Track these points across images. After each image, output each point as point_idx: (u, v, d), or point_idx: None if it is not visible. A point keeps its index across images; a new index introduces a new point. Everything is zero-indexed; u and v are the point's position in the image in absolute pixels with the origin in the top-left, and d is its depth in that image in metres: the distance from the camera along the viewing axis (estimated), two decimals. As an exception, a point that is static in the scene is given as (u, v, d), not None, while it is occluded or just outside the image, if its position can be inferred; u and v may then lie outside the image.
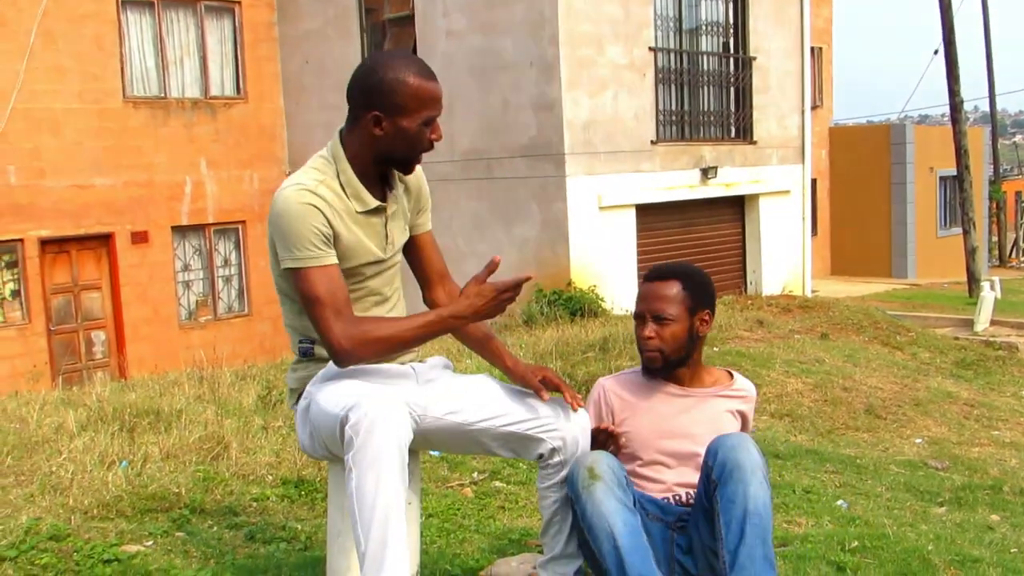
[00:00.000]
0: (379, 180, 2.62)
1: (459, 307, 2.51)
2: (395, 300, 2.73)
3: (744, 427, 2.94)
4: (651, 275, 2.92)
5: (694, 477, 2.73)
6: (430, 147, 2.57)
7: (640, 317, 2.87)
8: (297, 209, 2.45)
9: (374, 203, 2.58)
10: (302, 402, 2.60)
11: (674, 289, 2.83)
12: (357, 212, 2.55)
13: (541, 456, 2.58)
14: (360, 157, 2.56)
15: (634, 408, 2.90)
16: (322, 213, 2.47)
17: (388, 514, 2.27)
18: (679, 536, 2.66)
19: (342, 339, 2.41)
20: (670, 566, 2.63)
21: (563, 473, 2.56)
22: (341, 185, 2.54)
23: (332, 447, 2.48)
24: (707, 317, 2.88)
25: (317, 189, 2.49)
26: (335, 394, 2.44)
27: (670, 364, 2.85)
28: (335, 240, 2.50)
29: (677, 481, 2.81)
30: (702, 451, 2.65)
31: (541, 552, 2.84)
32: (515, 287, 2.49)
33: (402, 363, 2.69)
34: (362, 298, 2.61)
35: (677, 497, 2.80)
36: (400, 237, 2.71)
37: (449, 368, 2.79)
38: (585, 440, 2.60)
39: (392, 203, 2.65)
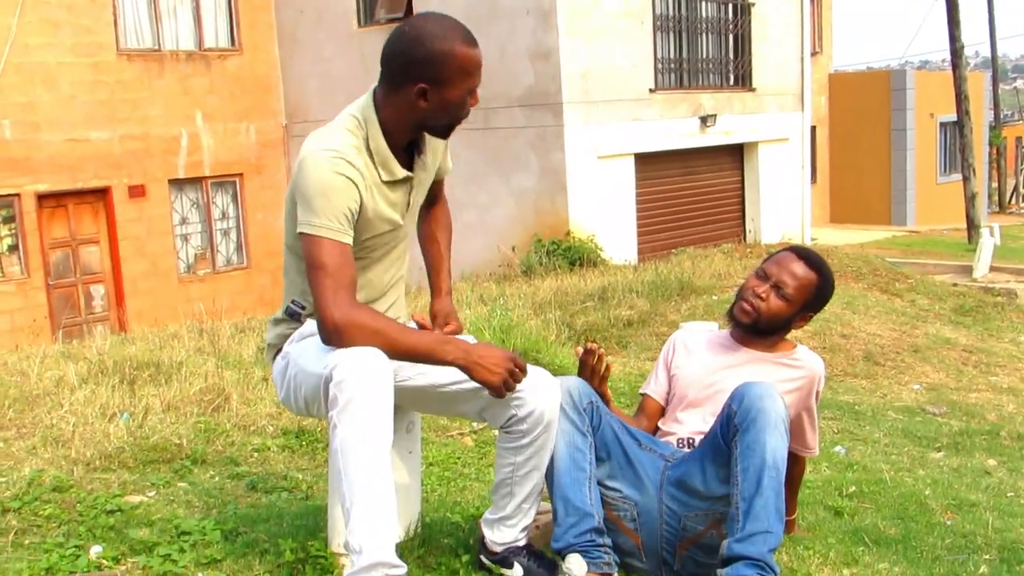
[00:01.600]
0: (408, 147, 2.55)
1: (462, 346, 2.36)
2: (398, 268, 2.67)
3: (804, 404, 2.95)
4: (800, 252, 2.96)
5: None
6: (468, 114, 2.52)
7: (763, 275, 2.92)
8: (333, 180, 2.35)
9: (402, 174, 2.50)
10: (279, 361, 2.56)
11: (809, 278, 2.90)
12: (382, 181, 2.48)
13: (508, 420, 2.54)
14: (396, 125, 2.47)
15: (690, 355, 2.98)
16: (357, 189, 2.39)
17: (376, 469, 2.24)
18: (671, 468, 2.67)
19: (336, 313, 2.30)
20: (660, 493, 2.66)
21: (523, 441, 2.54)
22: (370, 152, 2.45)
23: (311, 406, 2.43)
24: (809, 318, 2.99)
25: (353, 159, 2.41)
26: (316, 353, 2.39)
27: (756, 328, 2.92)
28: (360, 212, 2.42)
29: (697, 429, 2.81)
30: None
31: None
32: (523, 371, 2.39)
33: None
34: (371, 265, 2.56)
35: (691, 441, 2.80)
36: (419, 201, 2.66)
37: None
38: (552, 415, 2.55)
39: (419, 170, 2.58)
